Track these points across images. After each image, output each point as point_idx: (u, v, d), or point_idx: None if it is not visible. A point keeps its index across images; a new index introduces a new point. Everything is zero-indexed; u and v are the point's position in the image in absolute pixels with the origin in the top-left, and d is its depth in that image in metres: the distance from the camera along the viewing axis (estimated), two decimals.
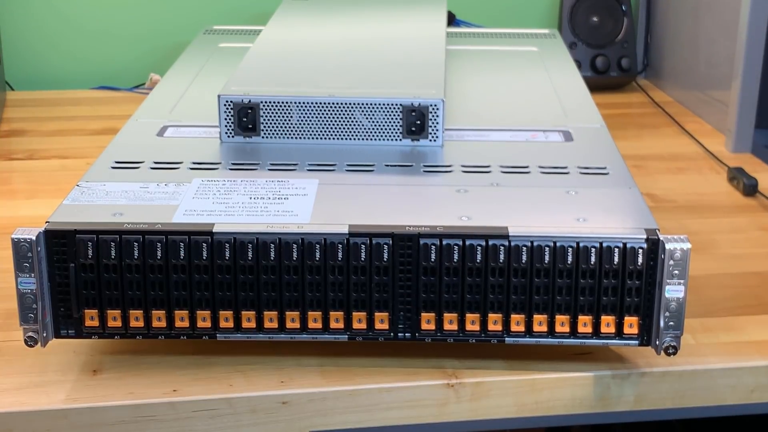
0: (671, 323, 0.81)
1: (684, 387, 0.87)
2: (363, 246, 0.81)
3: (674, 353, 0.82)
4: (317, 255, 0.81)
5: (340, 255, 0.81)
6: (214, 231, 0.80)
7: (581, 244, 0.80)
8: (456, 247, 0.81)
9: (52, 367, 0.87)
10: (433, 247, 0.81)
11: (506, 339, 0.83)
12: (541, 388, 0.85)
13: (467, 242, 0.81)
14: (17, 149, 1.41)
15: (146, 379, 0.85)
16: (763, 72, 1.33)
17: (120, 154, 0.98)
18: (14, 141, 1.45)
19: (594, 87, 1.42)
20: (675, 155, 1.34)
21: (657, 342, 0.82)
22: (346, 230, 0.81)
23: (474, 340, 0.83)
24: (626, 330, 0.82)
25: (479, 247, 0.81)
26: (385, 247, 0.81)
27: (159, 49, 1.65)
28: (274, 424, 0.84)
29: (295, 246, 0.81)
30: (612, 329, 0.82)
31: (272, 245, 0.80)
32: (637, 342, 0.83)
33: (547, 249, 0.80)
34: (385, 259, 0.81)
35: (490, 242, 0.81)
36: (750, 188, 1.21)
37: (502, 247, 0.81)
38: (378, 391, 0.85)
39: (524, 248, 0.81)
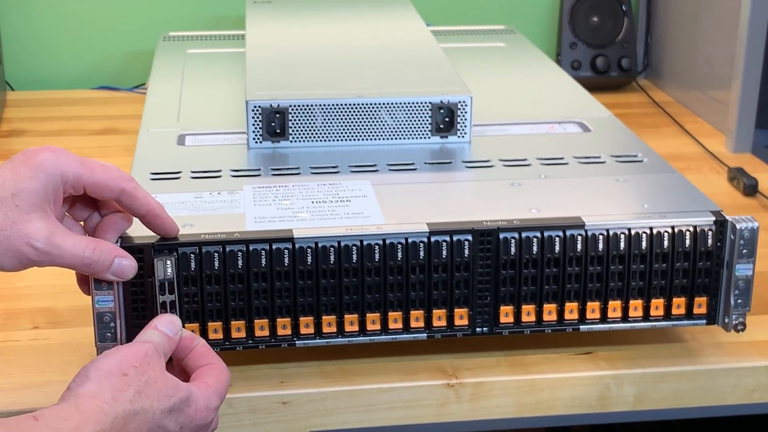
0: (740, 301, 0.84)
1: (684, 387, 0.88)
2: (444, 243, 0.81)
3: (743, 330, 0.85)
4: (399, 255, 0.80)
5: (422, 253, 0.81)
6: (294, 236, 0.79)
7: (654, 230, 0.83)
8: (535, 239, 0.82)
9: (52, 367, 0.85)
10: (513, 240, 0.81)
11: (581, 327, 0.85)
12: (541, 388, 0.86)
13: (545, 234, 0.82)
14: (17, 149, 1.34)
15: None
16: (763, 72, 1.35)
17: (151, 165, 0.95)
18: (14, 141, 1.41)
19: (594, 87, 1.45)
20: (675, 155, 1.34)
21: (726, 320, 0.84)
22: (426, 228, 0.81)
23: (550, 330, 0.84)
24: (695, 310, 0.85)
25: (557, 238, 0.82)
26: (466, 243, 0.81)
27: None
28: (274, 424, 0.84)
29: (377, 247, 0.80)
30: (682, 310, 0.85)
31: (354, 247, 0.80)
32: (704, 321, 0.85)
33: (622, 236, 0.82)
34: (466, 255, 0.81)
35: (568, 232, 0.82)
36: (750, 188, 1.23)
37: (579, 237, 0.82)
38: (378, 391, 0.85)
39: (600, 236, 0.82)
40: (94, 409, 0.67)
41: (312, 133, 0.99)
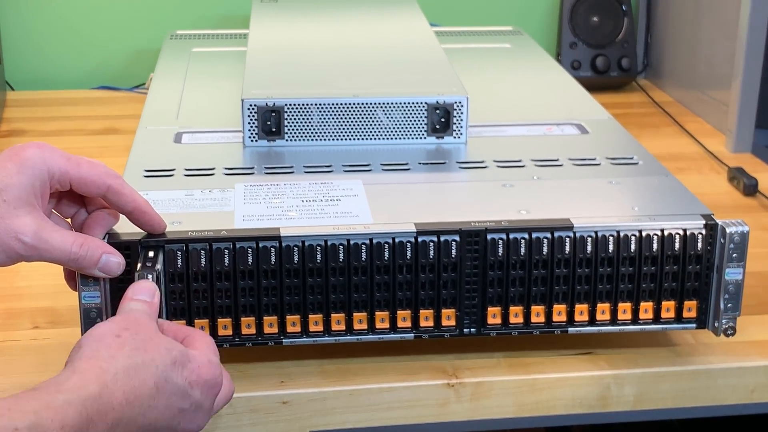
0: (730, 305, 0.83)
1: (684, 387, 0.88)
2: (432, 244, 0.81)
3: (733, 334, 0.84)
4: (386, 254, 0.80)
5: (409, 253, 0.81)
6: (281, 235, 0.79)
7: (644, 233, 0.82)
8: (523, 241, 0.81)
9: (52, 366, 0.84)
10: (501, 241, 0.81)
11: (569, 329, 0.84)
12: (541, 388, 0.86)
13: (533, 235, 0.81)
14: None
15: None
16: (763, 72, 1.34)
17: (146, 163, 0.96)
18: (14, 141, 1.41)
19: (594, 87, 1.45)
20: (675, 155, 1.34)
21: (716, 324, 0.84)
22: (413, 228, 0.81)
23: (538, 332, 0.84)
24: (685, 314, 0.84)
25: (545, 240, 0.81)
26: (453, 243, 0.81)
27: (159, 49, 1.62)
28: (274, 424, 0.84)
29: (364, 246, 0.80)
30: (672, 314, 0.84)
31: (341, 247, 0.80)
32: (694, 325, 0.85)
33: (611, 238, 0.82)
34: (453, 256, 0.81)
35: (556, 234, 0.82)
36: (750, 188, 1.22)
37: (567, 239, 0.82)
38: (378, 391, 0.85)
39: (589, 239, 0.82)
40: (93, 368, 0.67)
41: (308, 133, 0.99)
